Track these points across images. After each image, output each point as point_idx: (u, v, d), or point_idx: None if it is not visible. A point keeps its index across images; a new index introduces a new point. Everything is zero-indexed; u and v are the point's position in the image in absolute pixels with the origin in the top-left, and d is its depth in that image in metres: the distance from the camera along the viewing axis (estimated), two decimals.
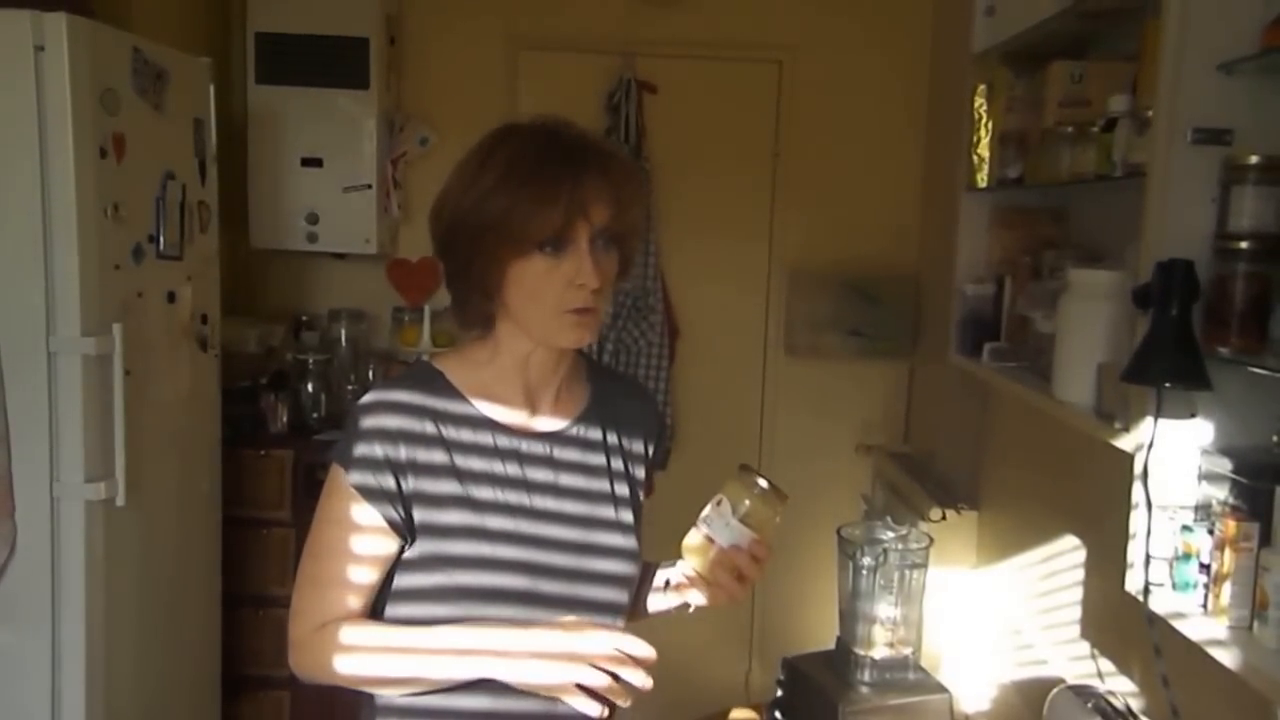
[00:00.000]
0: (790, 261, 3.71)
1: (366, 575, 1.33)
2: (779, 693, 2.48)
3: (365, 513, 1.30)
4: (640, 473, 1.48)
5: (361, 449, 1.30)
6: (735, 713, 3.05)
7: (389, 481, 1.29)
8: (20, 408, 2.29)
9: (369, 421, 1.31)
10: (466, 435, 1.34)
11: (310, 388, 3.43)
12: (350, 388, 3.44)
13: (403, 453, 1.30)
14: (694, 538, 1.37)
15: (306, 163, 3.41)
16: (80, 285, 2.31)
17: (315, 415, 3.40)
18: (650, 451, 1.51)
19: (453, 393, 1.36)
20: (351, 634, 1.31)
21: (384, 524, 1.30)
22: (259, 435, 3.28)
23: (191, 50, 2.88)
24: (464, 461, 1.33)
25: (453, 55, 3.64)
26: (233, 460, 3.12)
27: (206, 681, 3.01)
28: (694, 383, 3.75)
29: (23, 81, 2.25)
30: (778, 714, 2.45)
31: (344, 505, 1.31)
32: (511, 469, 1.35)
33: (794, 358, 3.73)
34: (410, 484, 1.30)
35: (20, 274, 2.29)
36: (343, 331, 3.58)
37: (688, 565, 1.38)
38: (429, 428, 1.32)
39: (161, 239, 2.61)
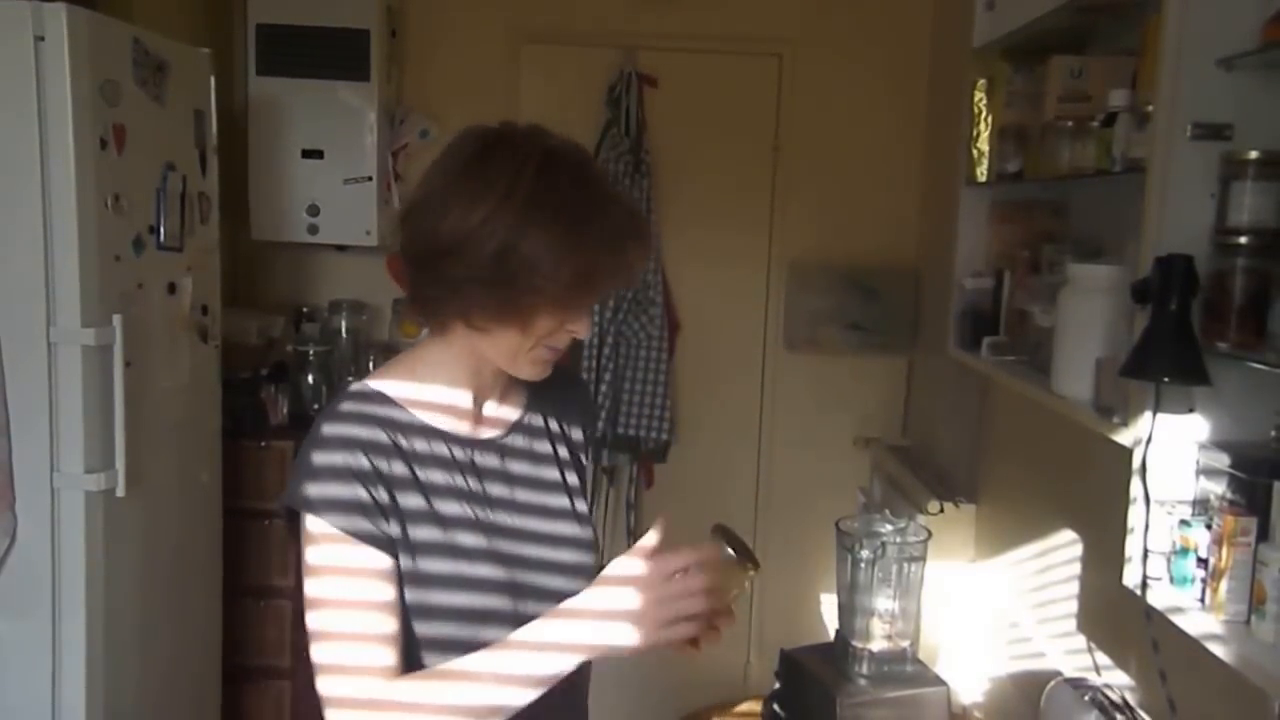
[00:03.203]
0: (790, 255, 3.71)
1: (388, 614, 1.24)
2: (777, 685, 2.48)
3: (364, 554, 1.24)
4: (584, 457, 1.49)
5: (333, 489, 1.25)
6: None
7: (381, 523, 1.25)
8: (20, 398, 2.30)
9: (332, 459, 1.26)
10: (421, 447, 1.30)
11: (311, 379, 3.44)
12: (350, 379, 3.44)
13: (382, 492, 1.25)
14: None
15: (307, 154, 3.41)
16: (80, 276, 2.31)
17: (316, 407, 3.40)
18: (585, 436, 1.51)
19: (399, 409, 1.31)
20: (405, 693, 1.21)
21: (383, 564, 1.24)
22: (259, 426, 3.28)
23: (192, 41, 2.88)
24: (425, 475, 1.29)
25: (454, 48, 3.64)
26: (233, 451, 3.12)
27: (207, 671, 3.01)
28: (694, 376, 3.76)
29: (23, 72, 2.24)
30: (776, 706, 2.45)
31: (343, 552, 1.25)
32: (466, 468, 1.33)
33: (793, 351, 3.74)
34: (384, 499, 1.26)
35: (20, 265, 2.29)
36: (343, 323, 3.59)
37: None
38: (395, 453, 1.27)
39: (162, 230, 2.61)
